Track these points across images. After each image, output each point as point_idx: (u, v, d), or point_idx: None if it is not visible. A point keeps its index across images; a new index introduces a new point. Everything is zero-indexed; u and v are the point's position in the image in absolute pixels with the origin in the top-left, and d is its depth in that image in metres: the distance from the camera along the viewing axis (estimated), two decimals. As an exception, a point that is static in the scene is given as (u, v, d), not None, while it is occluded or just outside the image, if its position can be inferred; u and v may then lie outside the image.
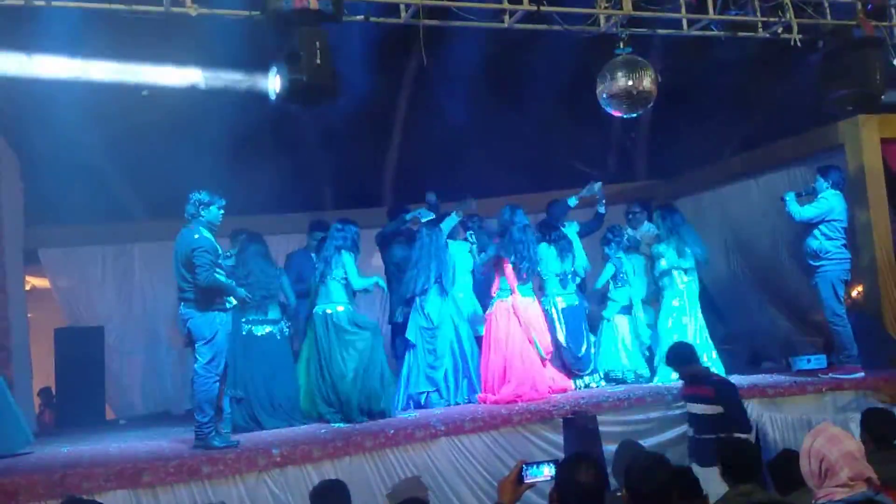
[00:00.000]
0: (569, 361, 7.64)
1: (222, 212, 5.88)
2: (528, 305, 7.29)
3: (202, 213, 5.77)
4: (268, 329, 6.93)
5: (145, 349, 9.90)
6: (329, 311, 6.76)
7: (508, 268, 7.23)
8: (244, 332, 6.87)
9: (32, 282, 10.24)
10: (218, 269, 5.78)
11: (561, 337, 7.59)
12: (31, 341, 8.59)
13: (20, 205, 8.33)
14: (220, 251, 5.89)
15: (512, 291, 7.22)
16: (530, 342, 7.16)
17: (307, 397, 6.90)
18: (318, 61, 5.45)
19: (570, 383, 7.45)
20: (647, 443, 6.11)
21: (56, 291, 9.96)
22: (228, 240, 7.29)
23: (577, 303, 7.82)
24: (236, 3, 5.84)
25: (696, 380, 5.83)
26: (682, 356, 5.96)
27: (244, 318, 6.86)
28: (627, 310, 7.97)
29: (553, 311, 7.68)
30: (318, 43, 5.46)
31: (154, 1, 5.67)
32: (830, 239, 6.99)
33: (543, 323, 7.39)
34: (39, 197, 9.01)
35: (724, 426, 5.37)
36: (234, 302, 5.95)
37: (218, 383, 5.77)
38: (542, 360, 7.25)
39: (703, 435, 5.53)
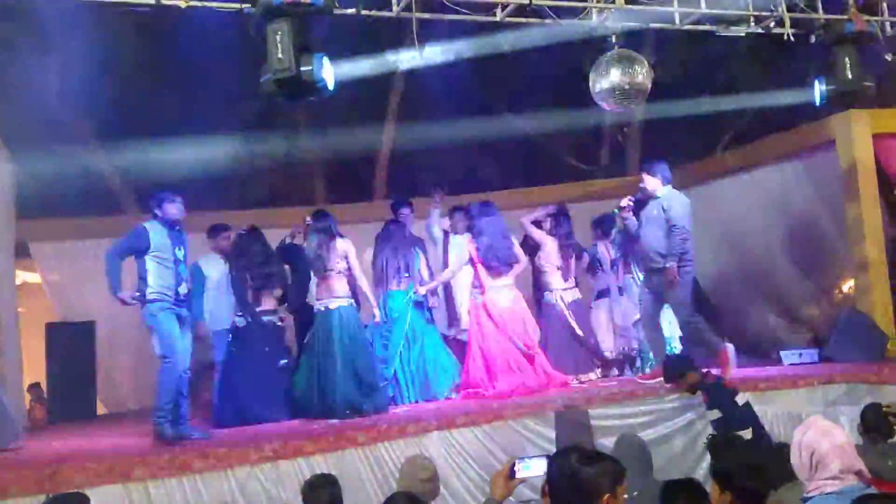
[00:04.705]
0: (591, 353, 7.69)
1: (179, 205, 5.96)
2: (502, 302, 7.22)
3: (159, 208, 5.90)
4: (264, 318, 6.92)
5: (137, 344, 9.84)
6: (330, 307, 6.71)
7: (479, 265, 7.23)
8: (238, 325, 6.89)
9: (23, 276, 10.17)
10: (160, 260, 5.83)
11: (577, 330, 7.62)
12: (22, 336, 8.52)
13: (11, 197, 8.25)
14: (153, 244, 5.84)
15: (482, 288, 7.20)
16: (509, 340, 7.11)
17: (305, 392, 6.80)
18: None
19: (561, 377, 7.33)
20: (640, 437, 6.11)
21: (47, 286, 9.90)
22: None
23: (581, 296, 7.89)
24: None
25: (695, 388, 5.97)
26: (679, 367, 6.08)
27: (238, 310, 6.88)
28: (606, 293, 8.06)
29: (561, 304, 7.70)
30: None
31: (145, -6, 5.64)
32: (688, 240, 6.84)
33: (521, 319, 7.30)
34: (30, 189, 8.93)
35: (724, 427, 5.47)
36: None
37: (175, 374, 5.83)
38: (528, 355, 7.16)
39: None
